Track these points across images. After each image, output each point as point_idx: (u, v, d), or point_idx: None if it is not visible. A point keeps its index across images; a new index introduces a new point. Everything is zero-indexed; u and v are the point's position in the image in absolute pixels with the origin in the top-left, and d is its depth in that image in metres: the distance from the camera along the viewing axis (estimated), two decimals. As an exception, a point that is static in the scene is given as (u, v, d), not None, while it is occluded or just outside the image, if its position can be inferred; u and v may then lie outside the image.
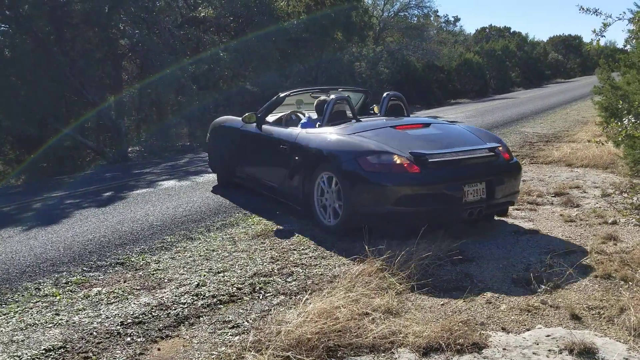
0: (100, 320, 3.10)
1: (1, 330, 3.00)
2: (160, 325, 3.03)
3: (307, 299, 3.17)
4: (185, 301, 3.35)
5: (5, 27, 16.85)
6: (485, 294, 3.29)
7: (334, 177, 4.52)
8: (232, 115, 7.20)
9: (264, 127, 5.82)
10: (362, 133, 4.73)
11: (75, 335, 2.92)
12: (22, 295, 3.52)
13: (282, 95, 6.02)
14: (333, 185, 4.54)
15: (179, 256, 4.22)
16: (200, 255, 4.21)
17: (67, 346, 2.80)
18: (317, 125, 5.32)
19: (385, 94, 5.76)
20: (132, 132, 16.73)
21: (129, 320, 3.09)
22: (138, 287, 3.59)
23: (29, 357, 2.68)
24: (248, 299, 3.37)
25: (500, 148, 4.66)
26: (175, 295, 3.43)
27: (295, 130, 5.29)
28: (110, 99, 16.16)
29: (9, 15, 15.51)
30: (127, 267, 4.00)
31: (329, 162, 4.62)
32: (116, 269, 3.98)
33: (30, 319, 3.15)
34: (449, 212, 4.28)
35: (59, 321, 3.10)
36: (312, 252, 4.14)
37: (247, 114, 5.91)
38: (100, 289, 3.58)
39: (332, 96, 5.40)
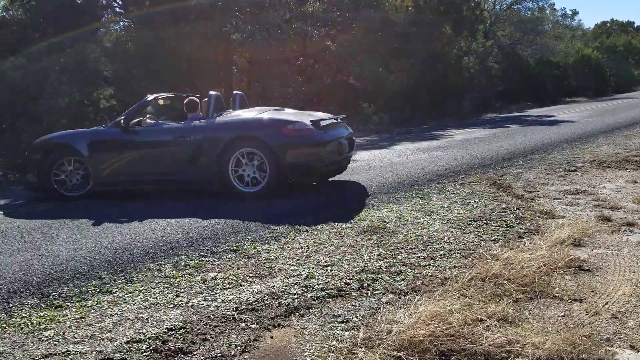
0: (216, 304, 3.24)
1: (128, 308, 3.22)
2: (272, 314, 3.11)
3: (417, 300, 3.12)
4: (295, 292, 3.41)
5: (128, 22, 18.13)
6: (610, 308, 3.07)
7: (256, 150, 5.94)
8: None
9: (139, 128, 6.50)
10: (266, 113, 6.44)
11: (194, 317, 3.07)
12: (145, 276, 3.77)
13: (149, 98, 6.84)
14: (254, 159, 5.96)
15: (288, 247, 4.31)
16: (308, 248, 4.28)
17: (187, 327, 2.95)
18: (204, 117, 6.38)
19: (235, 93, 7.21)
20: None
21: (243, 307, 3.20)
22: (250, 275, 3.71)
23: (152, 335, 2.85)
24: (356, 294, 3.38)
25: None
26: (286, 285, 3.51)
27: (194, 122, 6.31)
28: (221, 91, 16.90)
29: (132, 11, 16.64)
30: (240, 255, 4.15)
31: (249, 138, 6.05)
32: (230, 255, 4.15)
33: (153, 298, 3.36)
34: (339, 160, 6.48)
35: (179, 302, 3.28)
36: (421, 252, 4.08)
37: (114, 121, 6.71)
38: (215, 273, 3.75)
39: (213, 92, 6.58)
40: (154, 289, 3.52)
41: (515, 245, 4.08)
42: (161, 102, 7.08)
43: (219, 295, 3.37)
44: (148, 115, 6.78)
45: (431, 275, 3.61)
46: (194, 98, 6.70)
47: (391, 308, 3.12)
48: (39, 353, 2.66)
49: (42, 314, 3.16)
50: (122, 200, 6.42)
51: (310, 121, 6.10)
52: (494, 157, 8.29)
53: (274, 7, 16.31)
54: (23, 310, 3.23)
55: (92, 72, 16.72)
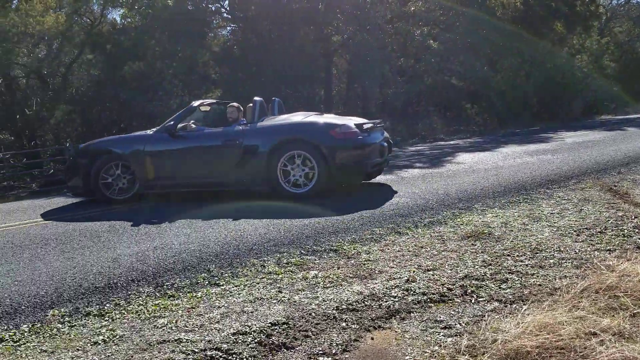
0: (317, 302, 3.29)
1: (234, 300, 3.36)
2: (373, 315, 3.11)
3: (525, 310, 2.99)
4: (395, 295, 3.38)
5: (234, 27, 18.92)
6: None
7: (304, 152, 6.24)
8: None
9: (186, 133, 6.78)
10: (311, 117, 6.76)
11: (296, 313, 3.14)
12: (250, 271, 3.90)
13: (195, 104, 7.13)
14: (302, 161, 6.28)
15: (388, 249, 4.29)
16: (409, 251, 4.23)
17: (290, 323, 3.02)
18: (247, 123, 6.71)
19: (273, 99, 7.27)
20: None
21: (344, 306, 3.22)
22: (351, 275, 3.73)
23: (257, 328, 2.95)
24: (459, 301, 3.29)
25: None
26: (386, 288, 3.49)
27: (243, 126, 6.64)
28: (321, 93, 17.15)
29: (238, 16, 17.32)
30: (340, 255, 4.19)
31: (299, 141, 6.31)
32: (330, 255, 4.20)
33: (258, 293, 3.47)
34: (380, 162, 6.84)
35: (282, 298, 3.36)
36: (529, 259, 3.89)
37: (161, 126, 6.96)
38: (316, 272, 3.81)
39: (257, 98, 6.85)
40: (258, 284, 3.63)
41: (633, 256, 3.79)
42: (203, 108, 7.32)
43: (320, 294, 3.42)
44: (192, 121, 7.04)
45: (540, 285, 3.44)
46: (237, 104, 7.17)
47: (496, 316, 3.01)
48: (154, 339, 2.84)
49: (157, 302, 3.37)
50: (202, 200, 6.69)
51: (355, 124, 6.45)
52: (609, 162, 7.75)
53: (375, 8, 16.31)
54: (140, 298, 3.46)
55: (201, 75, 17.65)
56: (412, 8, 17.23)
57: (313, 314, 3.13)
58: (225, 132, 6.74)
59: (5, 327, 3.10)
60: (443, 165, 8.89)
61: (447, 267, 3.83)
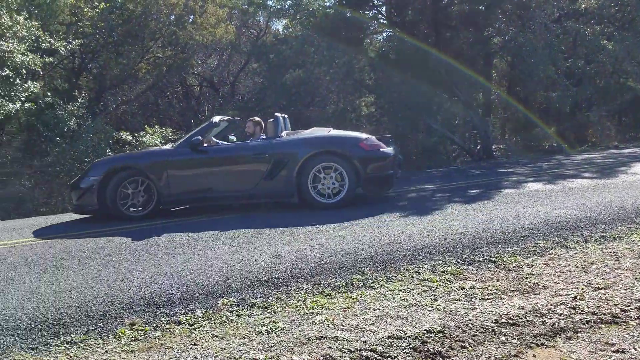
0: (474, 313, 3.19)
1: (389, 304, 3.37)
2: (535, 332, 2.94)
3: None
4: (561, 312, 3.16)
5: (390, 32, 19.01)
6: None
7: (334, 164, 6.50)
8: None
9: (209, 147, 6.87)
10: (335, 131, 7.15)
11: (453, 323, 3.07)
12: (404, 276, 3.90)
13: (215, 120, 7.12)
14: (331, 172, 6.53)
15: (553, 264, 4.02)
16: (576, 267, 3.92)
17: (445, 332, 2.96)
18: (270, 137, 6.88)
19: (282, 116, 7.17)
20: (497, 130, 16.82)
21: (503, 320, 3.08)
22: (511, 288, 3.56)
23: (412, 334, 2.93)
24: (635, 323, 2.98)
25: None
26: (551, 304, 3.27)
27: (270, 140, 6.80)
28: (479, 97, 16.57)
29: (395, 21, 17.38)
30: (499, 266, 4.02)
31: (330, 153, 6.56)
32: (489, 266, 4.04)
33: (412, 299, 3.45)
34: (397, 172, 7.02)
35: (437, 306, 3.31)
36: None
37: (182, 141, 6.97)
38: (474, 283, 3.69)
39: (278, 114, 7.01)
40: (412, 290, 3.62)
41: None
42: (223, 124, 7.35)
43: (478, 305, 3.31)
44: (213, 136, 7.06)
45: None
46: (258, 119, 7.31)
47: (683, 347, 2.67)
48: (312, 334, 2.96)
49: (314, 299, 3.51)
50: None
51: (376, 137, 6.88)
52: None
53: (540, 6, 15.37)
54: (299, 294, 3.63)
55: (357, 81, 18.01)
56: (583, 5, 15.94)
57: (470, 324, 3.04)
58: (252, 145, 6.87)
59: (183, 312, 3.43)
60: (617, 176, 8.10)
61: (620, 286, 3.49)
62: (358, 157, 6.54)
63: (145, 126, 15.15)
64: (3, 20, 11.87)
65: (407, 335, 2.91)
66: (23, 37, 12.46)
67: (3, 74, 12.00)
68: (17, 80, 12.59)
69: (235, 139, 7.52)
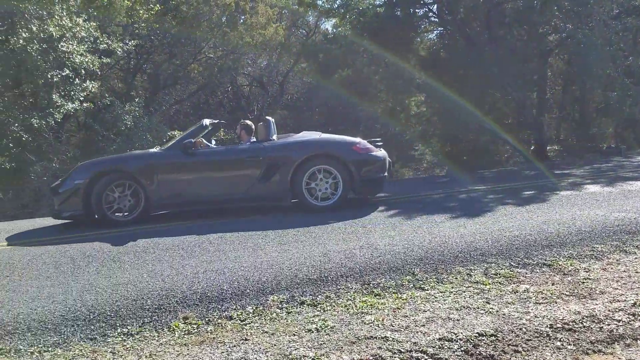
0: (528, 317, 3.11)
1: (439, 306, 3.33)
2: (592, 338, 2.84)
3: None
4: (619, 318, 3.05)
5: (441, 30, 18.73)
6: None
7: (328, 167, 6.55)
8: None
9: (200, 150, 6.68)
10: (327, 135, 7.40)
11: (505, 327, 3.00)
12: (456, 278, 3.84)
13: (206, 123, 7.00)
14: (326, 175, 6.57)
15: (612, 268, 3.88)
16: (636, 272, 3.77)
17: (498, 335, 2.90)
18: (261, 140, 6.85)
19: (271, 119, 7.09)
20: (552, 130, 16.32)
21: (558, 325, 2.99)
22: (567, 293, 3.45)
23: (463, 337, 2.89)
24: (702, 335, 2.84)
25: None
26: (609, 310, 3.16)
27: (264, 143, 6.76)
28: (533, 96, 16.12)
29: (446, 19, 17.12)
30: (554, 270, 3.90)
31: (324, 156, 6.58)
32: (543, 269, 3.94)
33: (464, 301, 3.40)
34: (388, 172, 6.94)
35: (490, 309, 3.24)
36: None
37: (171, 144, 6.85)
38: (527, 286, 3.60)
39: (269, 118, 7.07)
40: (464, 292, 3.56)
41: None
42: (210, 126, 7.19)
43: (532, 309, 3.23)
44: (203, 139, 6.93)
45: None
46: (249, 122, 7.23)
47: None
48: (362, 334, 2.96)
49: (364, 299, 3.51)
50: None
51: (367, 141, 6.96)
52: None
53: (599, 3, 14.82)
54: (348, 294, 3.63)
55: (407, 80, 17.83)
56: (645, 0, 15.28)
57: (524, 329, 2.97)
58: (246, 148, 6.78)
59: (234, 307, 3.49)
60: (681, 179, 7.73)
61: (686, 294, 3.33)
62: (352, 160, 6.59)
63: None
64: (64, 22, 12.36)
65: (458, 337, 2.87)
66: (82, 38, 12.95)
67: (63, 74, 12.50)
68: (76, 80, 13.10)
69: (208, 144, 7.20)
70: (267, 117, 7.12)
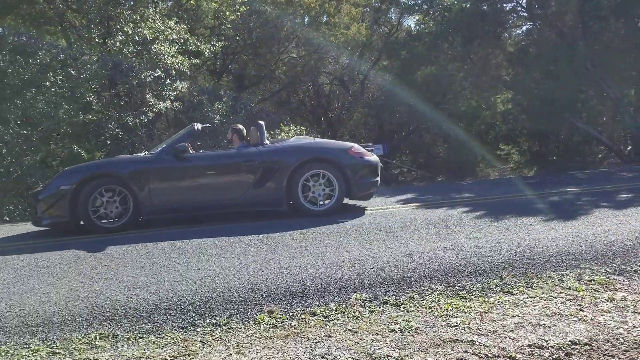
0: (626, 327, 2.93)
1: (529, 312, 3.21)
2: (701, 355, 2.63)
3: None
4: None
5: (531, 25, 17.98)
6: None
7: (324, 171, 6.51)
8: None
9: (192, 155, 6.60)
10: (320, 139, 7.51)
11: (601, 336, 2.85)
12: (546, 283, 3.68)
13: (197, 127, 6.84)
14: (321, 179, 6.54)
15: None
16: None
17: (593, 344, 2.76)
18: (254, 144, 6.78)
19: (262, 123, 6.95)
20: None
21: (661, 338, 2.80)
22: (670, 304, 3.22)
23: (555, 344, 2.77)
24: None
25: None
26: None
27: (257, 148, 6.66)
28: (631, 93, 15.14)
29: (536, 13, 16.41)
30: (657, 279, 3.65)
31: (320, 160, 6.54)
32: (643, 277, 3.69)
33: (555, 307, 3.25)
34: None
35: (583, 317, 3.09)
36: None
37: (162, 148, 6.63)
38: (625, 294, 3.39)
39: (260, 122, 6.91)
40: (555, 298, 3.41)
41: None
42: (201, 130, 6.98)
43: (630, 318, 3.04)
44: (198, 143, 6.76)
45: None
46: (241, 127, 7.24)
47: None
48: (447, 337, 2.90)
49: (449, 301, 3.44)
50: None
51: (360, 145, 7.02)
52: None
53: None
54: (432, 295, 3.57)
55: (493, 77, 17.29)
56: None
57: (621, 339, 2.81)
58: (241, 153, 6.66)
59: (317, 303, 3.53)
60: None
61: None
62: (348, 164, 6.61)
63: (281, 124, 15.75)
64: (157, 24, 13.01)
65: (549, 345, 2.76)
66: (173, 40, 13.57)
67: (155, 74, 13.16)
68: (167, 80, 13.74)
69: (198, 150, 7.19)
70: (259, 121, 7.01)
